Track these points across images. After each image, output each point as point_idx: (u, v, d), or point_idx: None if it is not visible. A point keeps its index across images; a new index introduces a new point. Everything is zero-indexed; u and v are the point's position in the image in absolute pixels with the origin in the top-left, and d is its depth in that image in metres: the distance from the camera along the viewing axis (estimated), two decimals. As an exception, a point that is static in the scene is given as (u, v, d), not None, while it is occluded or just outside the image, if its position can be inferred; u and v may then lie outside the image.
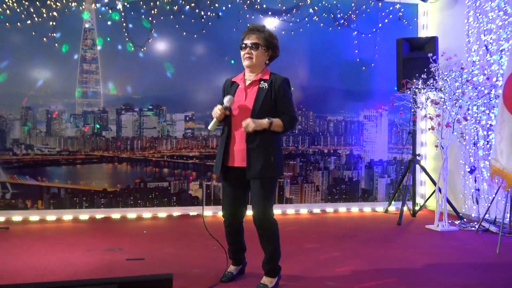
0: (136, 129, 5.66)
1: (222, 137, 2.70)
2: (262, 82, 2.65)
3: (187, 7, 5.59)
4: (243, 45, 2.66)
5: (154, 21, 5.55)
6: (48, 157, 5.33)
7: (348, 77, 6.03)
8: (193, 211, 5.49)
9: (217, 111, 2.62)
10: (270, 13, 5.78)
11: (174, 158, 5.63)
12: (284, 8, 5.83)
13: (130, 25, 5.51)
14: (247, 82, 2.71)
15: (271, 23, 5.77)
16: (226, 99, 2.63)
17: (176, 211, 5.49)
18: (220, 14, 5.63)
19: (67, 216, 5.24)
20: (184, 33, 5.60)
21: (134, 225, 4.93)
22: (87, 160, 5.46)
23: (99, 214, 5.32)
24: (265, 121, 2.53)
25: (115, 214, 5.35)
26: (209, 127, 2.67)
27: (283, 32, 5.75)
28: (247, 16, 5.68)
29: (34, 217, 5.18)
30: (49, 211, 5.22)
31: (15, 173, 5.22)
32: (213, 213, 5.45)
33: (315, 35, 5.92)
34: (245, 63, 2.67)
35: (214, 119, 2.64)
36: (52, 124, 5.41)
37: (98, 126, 5.54)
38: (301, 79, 5.86)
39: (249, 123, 2.51)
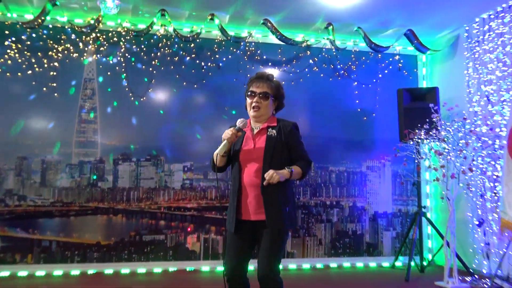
0: (133, 180, 5.58)
1: (233, 189, 2.62)
2: (270, 129, 2.63)
3: (188, 58, 5.65)
4: (251, 93, 2.65)
5: (154, 72, 5.60)
6: (41, 208, 5.23)
7: (350, 127, 6.02)
8: (190, 266, 5.36)
9: (228, 132, 2.56)
10: (270, 63, 5.88)
11: (171, 209, 5.52)
12: (284, 59, 5.92)
13: (130, 75, 5.55)
14: (255, 131, 2.67)
15: (272, 73, 5.75)
16: (239, 121, 2.60)
17: (172, 266, 5.35)
18: (220, 64, 5.69)
19: (58, 271, 5.09)
20: (184, 83, 5.66)
21: (128, 281, 4.79)
22: (81, 212, 5.35)
23: (91, 269, 5.17)
24: (286, 171, 2.47)
25: (108, 269, 5.20)
26: (216, 151, 2.56)
27: (283, 82, 5.42)
28: (247, 66, 5.73)
29: (22, 272, 5.03)
30: (38, 266, 5.08)
31: (5, 225, 5.09)
32: (211, 268, 5.33)
33: (315, 85, 5.96)
34: (252, 113, 2.66)
35: (224, 142, 2.55)
36: (47, 174, 5.35)
37: (94, 177, 5.45)
38: (303, 129, 5.40)
39: (273, 175, 2.40)
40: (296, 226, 2.62)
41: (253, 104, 2.62)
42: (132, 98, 5.52)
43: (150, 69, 5.58)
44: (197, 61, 5.66)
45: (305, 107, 5.90)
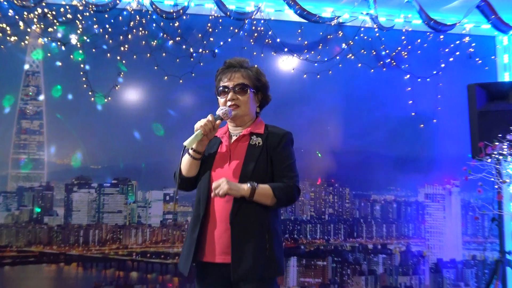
0: (93, 214, 5.47)
1: (195, 217, 2.61)
2: (254, 137, 2.64)
3: (170, 41, 5.51)
4: (223, 89, 2.65)
5: (124, 61, 5.46)
6: (-38, 256, 4.83)
7: (400, 139, 5.88)
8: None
9: (204, 120, 2.58)
10: (286, 49, 5.74)
11: (147, 256, 5.44)
12: (306, 42, 5.79)
13: (89, 67, 5.42)
14: (233, 138, 2.68)
15: (288, 63, 5.76)
16: (220, 108, 2.65)
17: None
18: (216, 51, 5.57)
19: None
20: (166, 78, 5.51)
21: None
22: (20, 259, 5.22)
23: None
24: (245, 186, 2.46)
25: None
26: (185, 142, 2.54)
27: (305, 75, 5.76)
28: (254, 53, 5.57)
29: None
30: None
31: None
32: None
33: (350, 80, 5.83)
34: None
35: (198, 131, 2.54)
36: (-27, 207, 4.96)
37: (38, 209, 5.31)
38: (332, 141, 5.81)
39: (221, 184, 2.42)
40: (281, 274, 2.63)
41: (229, 102, 2.65)
42: (93, 99, 5.42)
43: (118, 57, 5.44)
44: (184, 47, 5.51)
45: (336, 109, 5.80)
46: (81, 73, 5.40)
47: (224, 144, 2.69)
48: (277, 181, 2.58)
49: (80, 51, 5.42)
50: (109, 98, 5.48)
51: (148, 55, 5.51)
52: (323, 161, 5.73)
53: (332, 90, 5.86)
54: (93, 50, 5.44)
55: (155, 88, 5.62)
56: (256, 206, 2.51)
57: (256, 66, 2.79)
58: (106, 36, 5.45)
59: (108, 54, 5.49)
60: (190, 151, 2.60)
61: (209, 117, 2.59)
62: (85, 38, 5.40)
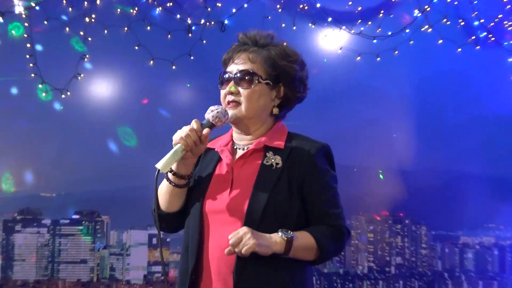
0: (44, 264, 5.07)
1: (181, 273, 2.07)
2: (270, 153, 2.15)
3: (158, 9, 4.98)
4: (225, 76, 2.15)
5: (89, 38, 4.97)
6: None
7: (501, 150, 5.37)
8: None
9: (185, 129, 2.04)
10: (330, 19, 5.16)
11: None
12: (359, 9, 5.15)
13: (40, 47, 4.97)
14: (238, 153, 2.20)
15: (334, 39, 5.21)
16: (211, 109, 2.09)
17: None
18: (225, 22, 5.08)
19: None
20: (151, 62, 4.99)
21: None
22: None
23: None
24: (278, 238, 2.05)
25: None
26: (159, 164, 1.97)
27: (358, 57, 5.19)
28: (282, 25, 5.10)
29: None
30: None
31: None
32: None
33: (426, 64, 5.40)
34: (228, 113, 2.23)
35: (177, 146, 2.01)
36: None
37: None
38: (400, 155, 5.18)
39: (245, 240, 1.99)
40: None
41: (228, 98, 2.12)
42: (45, 94, 4.98)
43: (82, 32, 4.96)
44: (178, 16, 5.05)
45: (403, 108, 5.28)
46: (28, 56, 4.96)
47: (224, 163, 2.16)
48: (313, 222, 2.10)
49: (26, 24, 4.97)
50: (68, 93, 4.93)
51: (126, 29, 4.97)
52: (387, 185, 5.08)
53: (398, 78, 5.32)
54: (45, 22, 4.92)
55: (137, 78, 5.13)
56: (271, 258, 2.02)
57: (284, 44, 2.17)
58: (64, 1, 4.94)
59: (67, 29, 4.97)
60: (170, 174, 2.03)
61: (194, 123, 2.01)
62: (32, 4, 4.95)
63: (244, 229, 2.04)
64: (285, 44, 2.24)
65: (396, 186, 5.17)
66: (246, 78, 2.15)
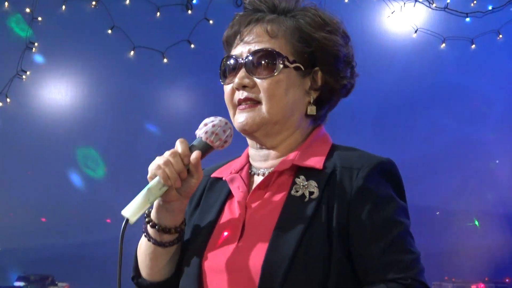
0: None
1: None
2: (300, 177, 1.84)
3: None
4: (231, 60, 1.81)
5: (38, 18, 4.35)
6: None
7: None
8: None
9: (166, 156, 1.73)
10: None
11: None
12: None
13: None
14: (255, 181, 1.91)
15: (405, 17, 4.49)
16: (205, 122, 1.82)
17: None
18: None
19: None
20: (132, 52, 4.43)
21: None
22: None
23: None
24: None
25: None
26: (125, 211, 1.48)
27: (443, 44, 4.57)
28: None
29: None
30: None
31: None
32: None
33: None
34: (239, 122, 1.82)
35: (153, 181, 1.61)
36: None
37: None
38: (504, 193, 4.24)
39: None
40: None
41: (237, 96, 1.78)
42: None
43: (28, 9, 4.34)
44: None
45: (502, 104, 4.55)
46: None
47: (235, 200, 1.76)
48: (368, 277, 1.63)
49: None
50: (8, 101, 4.40)
51: (93, 3, 4.39)
52: (485, 237, 4.19)
53: (503, 76, 4.51)
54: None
55: (110, 76, 4.41)
56: None
57: (315, 6, 1.72)
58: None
59: (6, 4, 4.45)
60: (148, 227, 1.60)
61: (178, 145, 1.66)
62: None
63: None
64: (315, 5, 1.81)
65: (500, 238, 4.20)
66: (265, 62, 1.79)
